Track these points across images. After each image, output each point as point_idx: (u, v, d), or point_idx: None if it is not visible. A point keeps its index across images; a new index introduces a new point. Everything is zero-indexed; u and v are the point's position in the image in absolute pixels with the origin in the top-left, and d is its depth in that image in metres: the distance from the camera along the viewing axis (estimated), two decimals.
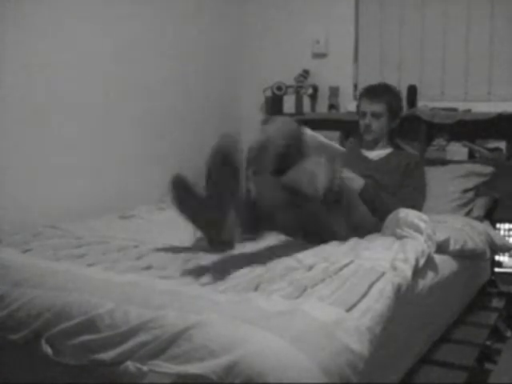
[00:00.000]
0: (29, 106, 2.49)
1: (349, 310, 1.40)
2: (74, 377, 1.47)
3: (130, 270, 1.71)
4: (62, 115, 2.64)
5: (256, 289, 1.53)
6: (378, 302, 1.50)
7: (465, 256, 2.37)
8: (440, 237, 2.15)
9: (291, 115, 3.55)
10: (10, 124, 2.43)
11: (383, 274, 1.68)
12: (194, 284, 1.58)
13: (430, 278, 2.00)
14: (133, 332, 1.37)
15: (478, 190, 2.92)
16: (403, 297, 1.71)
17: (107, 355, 1.38)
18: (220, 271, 1.67)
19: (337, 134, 3.43)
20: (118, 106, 2.94)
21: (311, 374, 1.19)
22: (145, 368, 1.30)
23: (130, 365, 1.32)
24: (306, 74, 3.57)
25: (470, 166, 2.98)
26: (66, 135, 2.66)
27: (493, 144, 3.05)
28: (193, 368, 1.24)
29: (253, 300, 1.43)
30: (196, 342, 1.28)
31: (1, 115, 2.40)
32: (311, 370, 1.19)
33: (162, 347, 1.31)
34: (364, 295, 1.51)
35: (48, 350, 1.47)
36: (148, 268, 1.74)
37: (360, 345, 1.30)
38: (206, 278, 1.60)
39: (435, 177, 2.90)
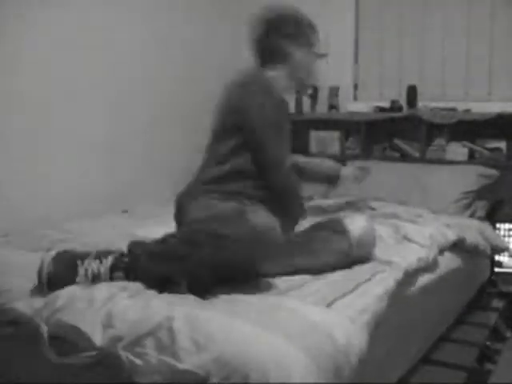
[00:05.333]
0: (31, 103, 2.49)
1: (338, 306, 1.43)
2: (69, 375, 1.46)
3: None
4: (65, 114, 2.64)
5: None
6: (369, 300, 1.52)
7: (465, 250, 2.39)
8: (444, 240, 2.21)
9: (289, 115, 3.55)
10: (11, 121, 2.43)
11: (376, 272, 1.69)
12: None
13: (429, 276, 2.00)
14: (121, 316, 1.37)
15: (480, 192, 2.92)
16: (403, 296, 1.71)
17: (98, 336, 1.36)
18: None
19: (337, 133, 3.44)
20: (121, 107, 2.95)
21: (305, 369, 1.18)
22: (137, 361, 1.29)
23: (123, 355, 1.31)
24: None
25: (476, 168, 2.96)
26: (67, 134, 2.67)
27: (493, 144, 3.05)
28: (182, 364, 1.23)
29: (243, 296, 1.44)
30: (183, 335, 1.27)
31: (2, 112, 2.40)
32: (306, 366, 1.18)
33: (148, 334, 1.31)
34: (351, 291, 1.54)
35: (44, 329, 1.44)
36: None
37: (350, 341, 1.30)
38: None
39: (440, 176, 2.92)
